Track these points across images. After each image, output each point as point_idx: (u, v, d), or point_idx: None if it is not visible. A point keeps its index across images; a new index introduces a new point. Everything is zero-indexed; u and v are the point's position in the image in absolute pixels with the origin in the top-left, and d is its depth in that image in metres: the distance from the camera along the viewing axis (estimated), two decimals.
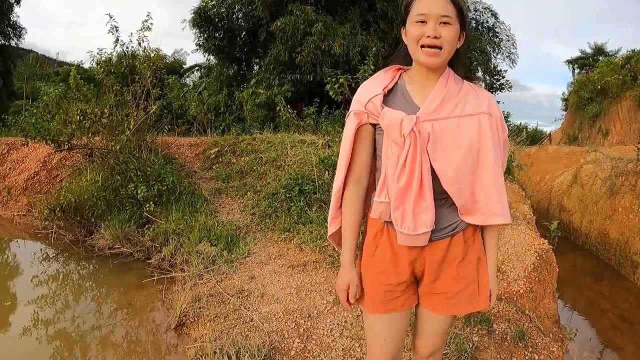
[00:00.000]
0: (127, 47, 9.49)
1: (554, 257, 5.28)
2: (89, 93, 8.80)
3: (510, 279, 4.71)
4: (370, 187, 2.15)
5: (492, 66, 20.31)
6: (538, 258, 5.04)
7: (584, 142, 23.73)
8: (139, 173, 7.29)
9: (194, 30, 16.79)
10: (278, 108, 10.65)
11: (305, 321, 4.16)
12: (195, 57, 74.23)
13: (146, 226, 6.96)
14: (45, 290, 5.69)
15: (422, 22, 1.83)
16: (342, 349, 3.72)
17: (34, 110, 8.80)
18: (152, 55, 9.53)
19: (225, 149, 9.89)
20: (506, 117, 18.69)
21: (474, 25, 19.81)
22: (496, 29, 20.86)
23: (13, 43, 26.52)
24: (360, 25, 14.83)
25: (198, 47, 17.48)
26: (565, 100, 35.57)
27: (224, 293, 4.79)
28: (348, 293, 2.07)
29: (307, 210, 6.72)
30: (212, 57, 18.73)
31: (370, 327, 2.17)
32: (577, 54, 39.49)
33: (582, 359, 4.97)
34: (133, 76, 9.20)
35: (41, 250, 7.23)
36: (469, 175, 1.90)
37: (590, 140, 23.98)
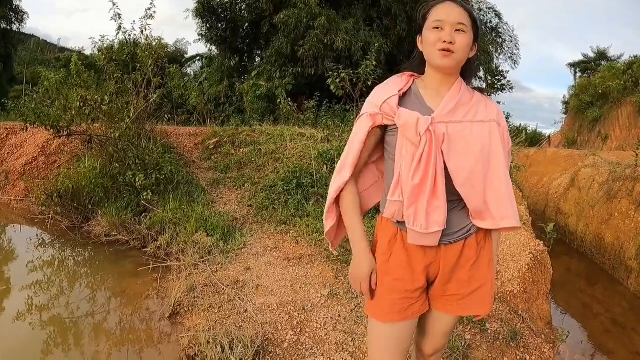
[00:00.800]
0: (130, 35, 9.47)
1: (548, 259, 5.30)
2: (89, 80, 8.80)
3: (505, 279, 4.74)
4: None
5: (494, 66, 20.33)
6: (533, 259, 5.06)
7: (583, 145, 23.84)
8: (137, 161, 7.29)
9: (197, 20, 16.85)
10: (279, 100, 10.64)
11: (299, 314, 4.17)
12: (197, 47, 74.24)
13: (143, 214, 6.94)
14: (41, 276, 5.68)
15: (439, 28, 1.89)
16: (335, 342, 3.73)
17: (34, 96, 8.79)
18: (154, 43, 9.50)
19: (225, 139, 9.89)
20: (506, 118, 18.70)
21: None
22: (499, 30, 20.89)
23: (15, 28, 26.41)
24: (364, 20, 14.83)
25: (200, 37, 17.52)
26: (565, 103, 35.79)
27: (219, 283, 4.79)
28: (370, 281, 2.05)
29: (304, 203, 6.73)
30: (214, 48, 18.75)
31: (379, 338, 2.12)
32: (580, 57, 39.67)
33: None
34: (134, 64, 9.16)
35: (37, 235, 7.21)
36: (480, 178, 1.93)
37: (590, 144, 24.09)
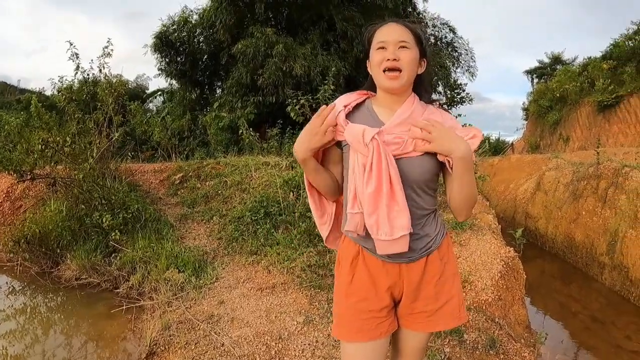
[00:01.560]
0: (88, 74, 9.45)
1: (520, 264, 5.42)
2: (50, 121, 8.72)
3: (479, 288, 4.81)
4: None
5: (453, 80, 20.70)
6: (505, 266, 5.16)
7: (546, 149, 24.35)
8: (103, 201, 7.25)
9: (156, 55, 16.76)
10: (240, 131, 10.70)
11: (276, 343, 4.20)
12: (157, 81, 73.70)
13: (113, 255, 6.90)
14: (14, 325, 5.62)
15: (383, 48, 1.97)
16: None
17: None
18: (114, 81, 9.51)
19: (190, 174, 9.88)
20: None
21: (433, 41, 20.19)
22: (455, 44, 21.29)
23: None
24: (321, 45, 14.96)
25: (160, 72, 17.44)
26: (525, 109, 36.53)
27: (194, 319, 4.80)
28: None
29: (273, 232, 6.76)
30: (174, 82, 18.68)
31: (351, 358, 2.13)
32: (536, 64, 40.53)
33: None
34: (95, 103, 9.12)
35: (7, 283, 7.12)
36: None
37: (552, 147, 24.58)
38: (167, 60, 16.95)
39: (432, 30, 20.44)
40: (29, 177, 8.11)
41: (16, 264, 7.38)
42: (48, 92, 20.99)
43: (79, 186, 7.48)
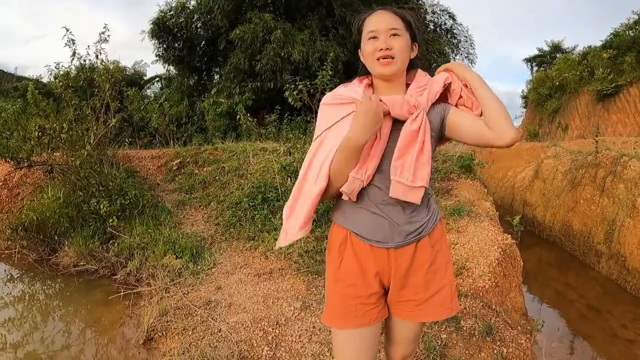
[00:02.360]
0: (85, 60, 9.39)
1: (517, 251, 5.41)
2: (47, 108, 8.70)
3: (476, 275, 4.80)
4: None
5: None
6: (502, 253, 5.14)
7: (545, 137, 24.24)
8: (100, 188, 7.22)
9: (153, 41, 16.72)
10: (238, 117, 10.67)
11: (273, 329, 4.21)
12: (155, 68, 73.39)
13: (110, 241, 6.90)
14: (12, 313, 5.61)
15: (374, 37, 1.97)
16: (312, 354, 3.77)
17: None
18: (111, 67, 9.45)
19: (188, 160, 9.88)
20: None
21: (432, 27, 20.09)
22: (454, 31, 21.12)
23: None
24: (319, 31, 14.90)
25: (158, 58, 17.42)
26: (524, 97, 36.42)
27: (191, 305, 4.80)
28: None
29: (271, 218, 6.76)
30: (172, 68, 18.66)
31: (342, 346, 2.11)
32: (535, 52, 40.34)
33: (552, 349, 5.12)
34: (92, 89, 9.09)
35: (5, 271, 7.11)
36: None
37: (551, 135, 24.52)
38: (164, 46, 16.90)
39: (432, 16, 20.31)
40: (26, 164, 8.06)
41: (14, 252, 7.38)
42: (45, 80, 20.96)
43: (76, 173, 7.45)
